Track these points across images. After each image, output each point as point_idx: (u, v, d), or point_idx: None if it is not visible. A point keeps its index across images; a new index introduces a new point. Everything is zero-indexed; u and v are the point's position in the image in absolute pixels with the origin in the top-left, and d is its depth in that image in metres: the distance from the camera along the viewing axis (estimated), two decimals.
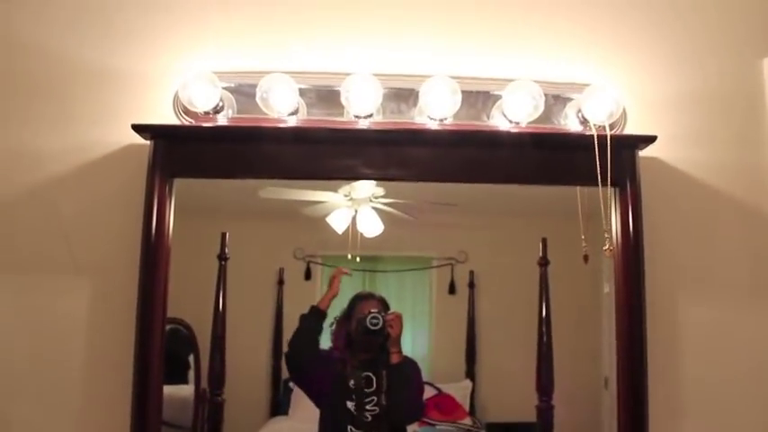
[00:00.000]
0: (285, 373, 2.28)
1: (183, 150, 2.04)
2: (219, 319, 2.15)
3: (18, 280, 2.11)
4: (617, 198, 2.06)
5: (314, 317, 2.16)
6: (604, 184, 1.99)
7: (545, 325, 2.17)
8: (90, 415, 2.07)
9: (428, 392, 2.24)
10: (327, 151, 2.06)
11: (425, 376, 2.20)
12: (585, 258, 2.00)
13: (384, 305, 2.17)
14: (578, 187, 2.08)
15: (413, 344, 2.22)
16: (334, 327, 2.17)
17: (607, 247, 2.00)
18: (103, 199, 2.13)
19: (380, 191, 2.23)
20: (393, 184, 2.21)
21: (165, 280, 2.00)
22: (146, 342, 1.96)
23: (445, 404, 2.28)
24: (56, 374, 2.08)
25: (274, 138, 2.07)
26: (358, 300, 2.18)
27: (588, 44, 2.22)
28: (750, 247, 2.18)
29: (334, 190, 2.23)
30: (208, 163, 2.06)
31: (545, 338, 2.16)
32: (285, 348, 2.20)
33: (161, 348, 1.98)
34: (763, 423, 2.13)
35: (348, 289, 2.22)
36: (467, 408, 2.29)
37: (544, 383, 2.15)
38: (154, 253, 1.98)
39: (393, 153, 2.07)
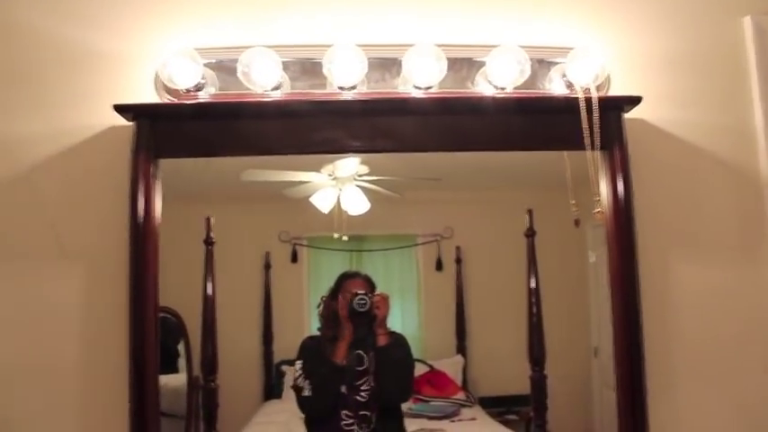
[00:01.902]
0: (277, 357, 2.30)
1: (166, 130, 1.99)
2: (209, 305, 2.14)
3: (4, 267, 2.05)
4: (605, 161, 2.05)
5: (335, 374, 2.09)
6: (592, 147, 1.98)
7: (534, 295, 2.18)
8: (88, 401, 2.03)
9: (420, 369, 2.25)
10: (312, 124, 2.03)
11: (416, 354, 2.19)
12: (576, 222, 2.02)
13: (370, 283, 2.16)
14: (565, 153, 2.08)
15: (402, 322, 2.23)
16: (321, 307, 2.17)
17: (597, 210, 2.00)
18: (89, 183, 2.07)
19: (364, 168, 2.22)
20: (377, 162, 2.20)
21: (156, 263, 1.95)
22: (140, 326, 1.92)
23: (438, 380, 2.29)
24: (51, 363, 2.02)
25: (258, 113, 2.03)
26: (344, 278, 2.17)
27: (571, 6, 2.21)
28: (737, 206, 2.20)
29: (317, 170, 2.22)
30: (192, 142, 2.02)
31: (534, 309, 2.17)
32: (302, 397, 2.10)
33: (155, 332, 1.94)
34: (757, 382, 2.15)
35: (335, 269, 2.22)
36: (459, 383, 2.31)
37: (536, 354, 2.16)
38: (143, 235, 1.94)
39: (379, 124, 2.04)
